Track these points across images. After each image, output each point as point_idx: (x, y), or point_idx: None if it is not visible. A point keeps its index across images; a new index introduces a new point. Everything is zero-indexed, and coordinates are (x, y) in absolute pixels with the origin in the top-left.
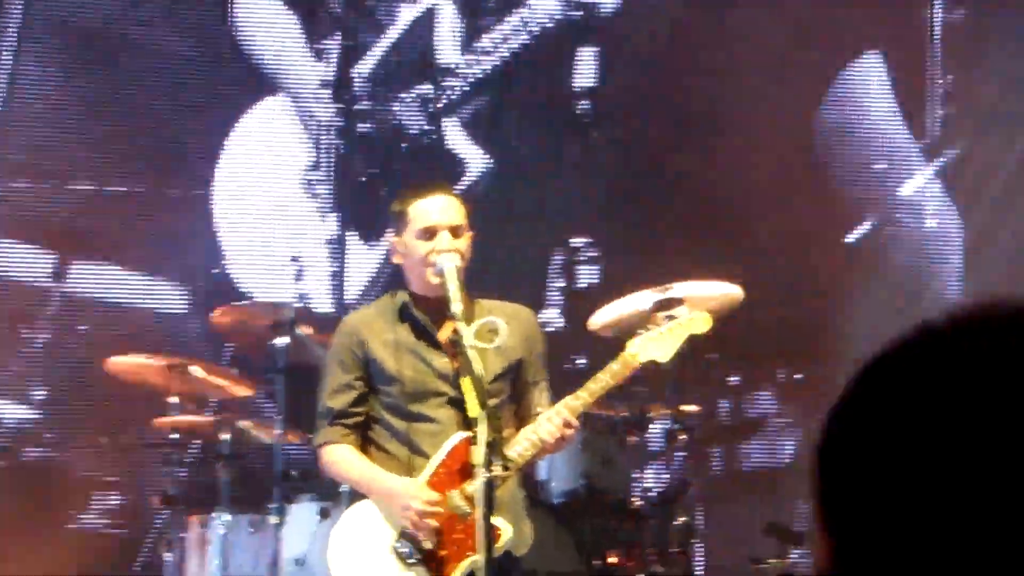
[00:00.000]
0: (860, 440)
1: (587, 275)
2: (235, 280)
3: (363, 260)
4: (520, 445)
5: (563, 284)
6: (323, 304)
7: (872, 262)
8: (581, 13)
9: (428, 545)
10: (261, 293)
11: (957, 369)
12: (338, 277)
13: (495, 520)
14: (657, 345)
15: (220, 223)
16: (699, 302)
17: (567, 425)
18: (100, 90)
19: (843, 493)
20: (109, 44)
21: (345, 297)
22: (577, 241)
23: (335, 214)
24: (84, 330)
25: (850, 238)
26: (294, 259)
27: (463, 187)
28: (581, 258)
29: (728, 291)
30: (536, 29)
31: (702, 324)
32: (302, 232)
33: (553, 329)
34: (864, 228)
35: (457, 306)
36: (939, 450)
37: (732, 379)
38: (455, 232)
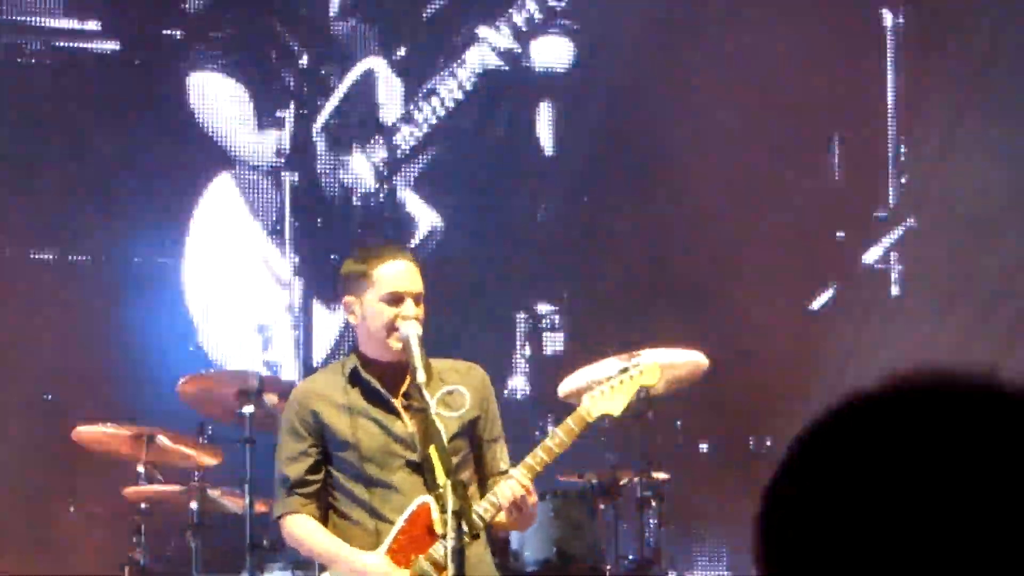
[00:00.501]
0: (797, 507)
1: (552, 342)
2: (206, 351)
3: (327, 325)
4: (480, 508)
5: (529, 352)
6: (290, 371)
7: (835, 329)
8: (510, 68)
9: None
10: (232, 363)
11: (884, 435)
12: (303, 343)
13: None
14: (609, 399)
15: (190, 296)
16: (665, 368)
17: (521, 486)
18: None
19: (783, 558)
20: (71, 119)
21: (313, 362)
22: (543, 308)
23: (298, 280)
24: (50, 399)
25: (813, 305)
26: (260, 328)
27: (413, 246)
28: (545, 325)
29: (694, 359)
30: (472, 85)
31: (652, 375)
32: (266, 301)
33: (520, 396)
34: (827, 295)
35: (421, 375)
36: (871, 512)
37: (702, 446)
38: (417, 300)
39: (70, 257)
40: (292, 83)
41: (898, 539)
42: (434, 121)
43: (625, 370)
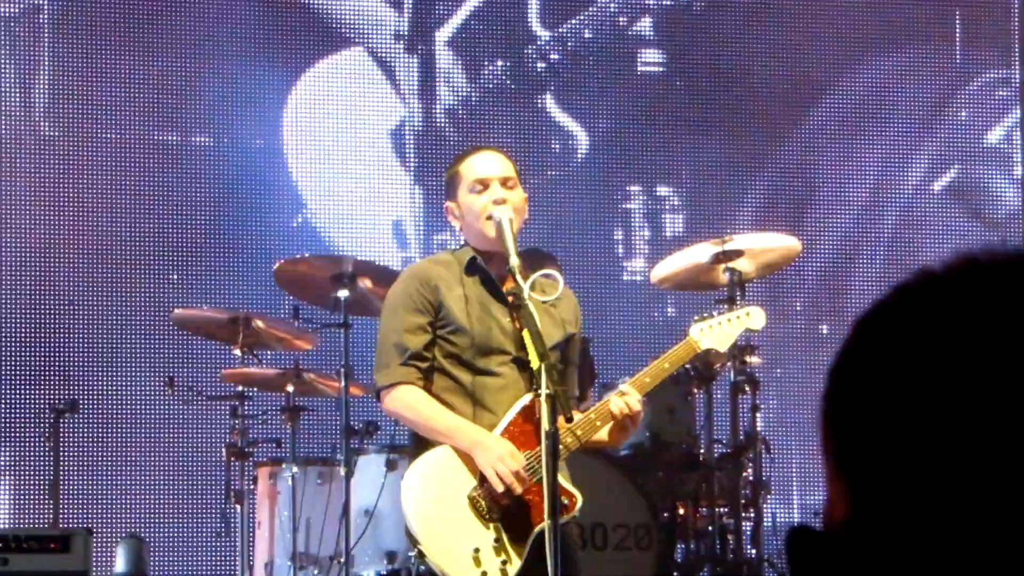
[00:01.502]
0: (866, 384)
1: (672, 224)
2: (318, 231)
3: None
4: (592, 414)
5: (648, 234)
6: (405, 262)
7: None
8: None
9: (505, 502)
10: (350, 250)
11: (957, 310)
12: (430, 240)
13: (569, 486)
14: (717, 335)
15: (301, 178)
16: (758, 253)
17: (636, 400)
18: (167, 42)
19: (853, 439)
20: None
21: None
22: (663, 191)
23: (422, 176)
24: (151, 280)
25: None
26: (396, 224)
27: (563, 159)
28: (666, 207)
29: (786, 243)
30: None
31: (758, 320)
32: (386, 190)
33: (640, 279)
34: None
35: (514, 259)
36: (944, 389)
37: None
38: (505, 183)
39: (192, 139)
40: None
41: (971, 418)
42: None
43: (734, 309)
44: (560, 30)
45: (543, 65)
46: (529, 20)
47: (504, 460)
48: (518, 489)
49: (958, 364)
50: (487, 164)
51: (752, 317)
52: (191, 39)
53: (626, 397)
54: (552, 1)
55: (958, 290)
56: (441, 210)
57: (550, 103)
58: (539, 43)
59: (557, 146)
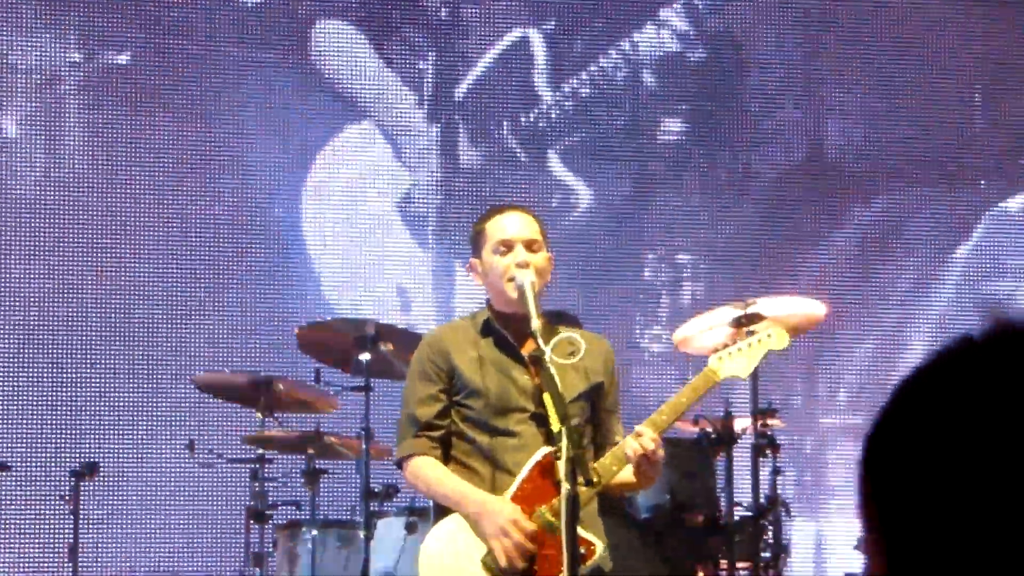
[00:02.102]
0: (905, 446)
1: (692, 291)
2: (330, 304)
3: (470, 288)
4: (607, 459)
5: (669, 301)
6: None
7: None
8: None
9: (520, 563)
10: (371, 313)
11: (996, 378)
12: (446, 305)
13: (588, 535)
14: (737, 361)
15: (325, 242)
16: (780, 319)
17: (650, 440)
18: (184, 117)
19: (891, 500)
20: (190, 79)
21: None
22: (683, 258)
23: (436, 240)
24: (173, 343)
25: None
26: (400, 291)
27: (570, 217)
28: (686, 274)
29: (810, 308)
30: (630, 65)
31: (781, 341)
32: (402, 258)
33: (662, 348)
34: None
35: (536, 321)
36: (980, 457)
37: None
38: (530, 246)
39: (213, 206)
40: (424, 38)
41: (1005, 486)
42: (589, 94)
43: (754, 333)
44: (565, 91)
45: (548, 126)
46: (536, 82)
47: (508, 533)
48: (519, 564)
49: (995, 432)
50: (512, 225)
51: (774, 338)
52: (214, 107)
53: (640, 438)
54: (559, 61)
55: (997, 359)
56: (452, 272)
57: (558, 166)
58: (545, 105)
59: (569, 209)
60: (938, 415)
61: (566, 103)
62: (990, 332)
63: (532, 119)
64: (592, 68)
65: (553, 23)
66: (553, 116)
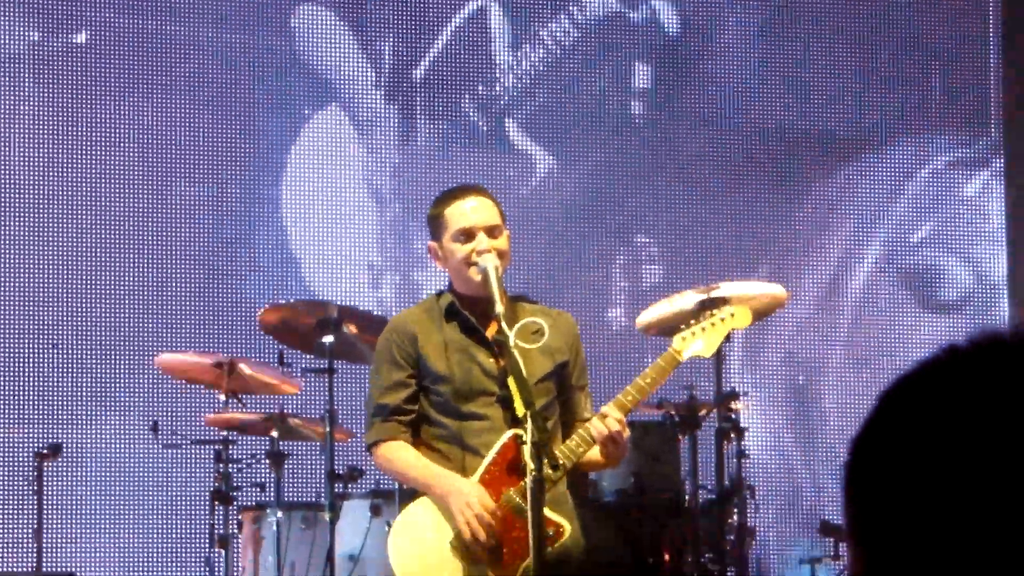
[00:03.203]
0: (888, 454)
1: (650, 274)
2: (308, 284)
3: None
4: (571, 443)
5: (626, 284)
6: (395, 307)
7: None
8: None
9: (489, 542)
10: (337, 296)
11: (979, 389)
12: (409, 281)
13: (556, 517)
14: (700, 340)
15: (285, 223)
16: (743, 301)
17: (615, 420)
18: (152, 98)
19: (872, 506)
20: (165, 60)
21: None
22: (641, 240)
23: (401, 216)
24: (136, 324)
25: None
26: (370, 266)
27: (531, 186)
28: (644, 257)
29: (772, 291)
30: (586, 26)
31: (743, 319)
32: (371, 237)
33: (617, 329)
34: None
35: (499, 306)
36: (963, 463)
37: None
38: (491, 232)
39: (177, 185)
40: (391, 16)
41: (987, 496)
42: (546, 60)
43: (714, 309)
44: (525, 61)
45: (507, 97)
46: (494, 52)
47: (471, 506)
48: (482, 535)
49: (978, 442)
50: (472, 213)
51: (737, 316)
52: (181, 85)
53: (606, 420)
54: (519, 31)
55: (982, 369)
56: (414, 252)
57: (523, 141)
58: (504, 76)
59: (530, 184)
60: (921, 424)
61: (525, 73)
62: (975, 341)
63: (491, 91)
64: (550, 33)
65: None
66: (512, 86)
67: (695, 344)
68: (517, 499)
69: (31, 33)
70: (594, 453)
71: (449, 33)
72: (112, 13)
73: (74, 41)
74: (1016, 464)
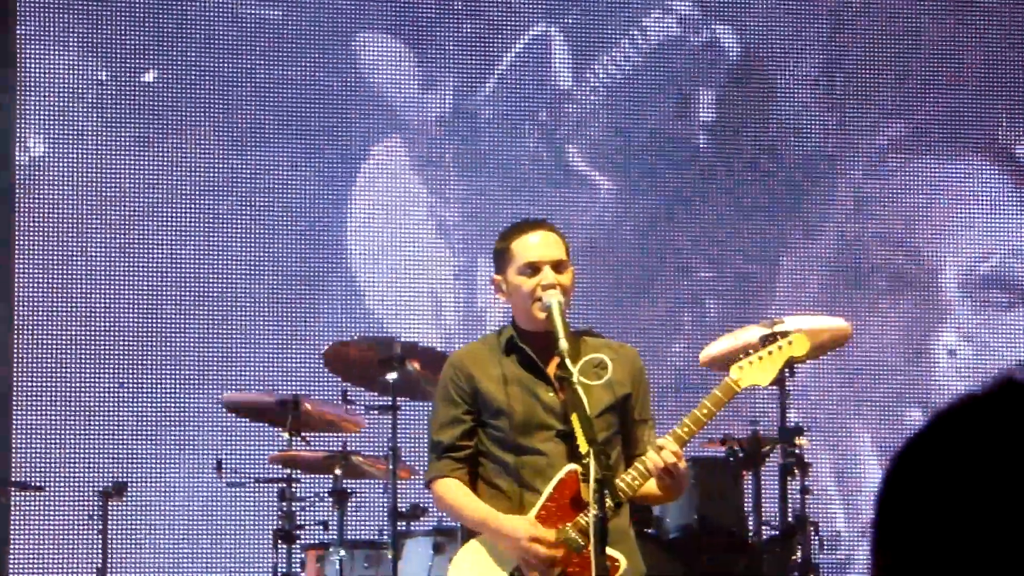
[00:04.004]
0: (912, 510)
1: (714, 309)
2: (375, 316)
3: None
4: (628, 476)
5: (690, 318)
6: (457, 341)
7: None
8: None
9: (548, 571)
10: (400, 331)
11: (999, 436)
12: (470, 313)
13: (613, 552)
14: (757, 369)
15: (349, 260)
16: (807, 335)
17: (670, 452)
18: (219, 136)
19: (903, 544)
20: (232, 94)
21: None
22: (705, 274)
23: (465, 248)
24: (200, 364)
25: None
26: (430, 294)
27: (590, 216)
28: (707, 291)
29: (836, 324)
30: (647, 54)
31: (801, 347)
32: (435, 268)
33: (679, 363)
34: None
35: (563, 342)
36: (986, 515)
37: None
38: (557, 267)
39: (236, 220)
40: (453, 47)
41: (1015, 545)
42: (605, 88)
43: (774, 340)
44: (589, 86)
45: (570, 124)
46: (557, 79)
47: (528, 549)
48: (541, 567)
49: (1000, 490)
50: (539, 247)
51: (795, 345)
52: (245, 120)
53: (662, 452)
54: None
55: (1000, 415)
56: (479, 287)
57: (590, 172)
58: (568, 103)
59: (596, 218)
60: (942, 478)
61: (589, 99)
62: (992, 388)
63: (555, 117)
64: (612, 59)
65: (575, 15)
66: (575, 114)
67: (752, 373)
68: (574, 534)
69: (99, 72)
70: (651, 486)
71: (510, 60)
72: (177, 51)
73: (141, 80)
74: None
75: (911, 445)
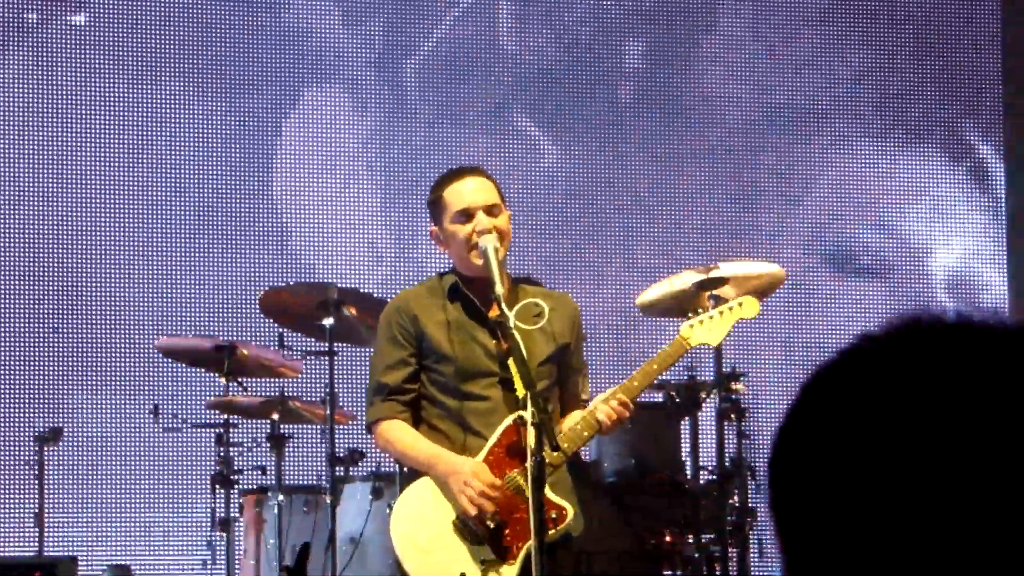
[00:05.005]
0: (806, 450)
1: (646, 255)
2: (306, 266)
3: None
4: (577, 427)
5: (622, 263)
6: (392, 287)
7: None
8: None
9: (491, 523)
10: (333, 278)
11: (896, 377)
12: (408, 261)
13: (558, 500)
14: (708, 329)
15: (283, 205)
16: (742, 281)
17: (624, 407)
18: (148, 79)
19: (793, 504)
20: (158, 38)
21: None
22: (637, 219)
23: (396, 200)
24: (135, 309)
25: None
26: (369, 246)
27: (533, 173)
28: (639, 236)
29: (771, 270)
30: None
31: (751, 309)
32: (367, 216)
33: (612, 308)
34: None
35: (499, 287)
36: (881, 459)
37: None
38: (491, 211)
39: (175, 167)
40: None
41: (908, 486)
42: (547, 48)
43: (725, 301)
44: (533, 49)
45: (513, 82)
46: (501, 38)
47: (470, 483)
48: (487, 509)
49: (897, 431)
50: (471, 193)
51: (745, 307)
52: (173, 66)
53: (612, 403)
54: (526, 19)
55: (898, 356)
56: (414, 233)
57: (525, 123)
58: (511, 62)
59: (531, 168)
60: (838, 418)
61: (527, 56)
62: (892, 330)
63: (494, 74)
64: (549, 17)
65: None
66: (514, 70)
67: (703, 332)
68: (520, 481)
69: (29, 15)
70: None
71: (454, 17)
72: None
73: (71, 21)
74: (930, 458)
75: (809, 384)
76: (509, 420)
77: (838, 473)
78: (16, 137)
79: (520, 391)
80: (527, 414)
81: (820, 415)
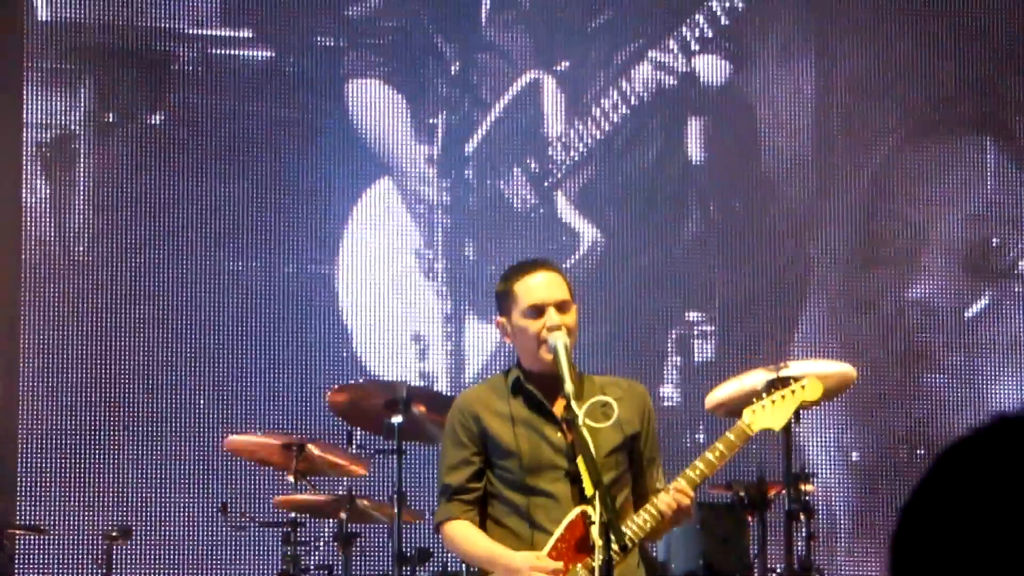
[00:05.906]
0: (934, 531)
1: (702, 351)
2: (360, 360)
3: (481, 337)
4: (639, 519)
5: (679, 360)
6: (443, 382)
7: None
8: (680, 83)
9: None
10: (384, 372)
11: None
12: (457, 356)
13: None
14: (770, 413)
15: (345, 304)
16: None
17: (682, 493)
18: (217, 177)
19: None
20: (223, 138)
21: (467, 375)
22: (693, 316)
23: (449, 292)
24: (205, 407)
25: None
26: (415, 338)
27: (575, 261)
28: (696, 333)
29: (842, 370)
30: (638, 101)
31: (814, 391)
32: (421, 311)
33: (669, 405)
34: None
35: (569, 385)
36: (1010, 534)
37: (853, 456)
38: (561, 308)
39: (228, 265)
40: (445, 91)
41: None
42: (596, 136)
43: (786, 385)
44: (576, 133)
45: (560, 170)
46: (548, 126)
47: (538, 569)
48: None
49: (1006, 523)
50: (542, 288)
51: (808, 389)
52: (247, 167)
53: (674, 493)
54: (572, 104)
55: (997, 453)
56: (480, 330)
57: (569, 212)
58: (557, 149)
59: (575, 257)
60: (968, 497)
61: (578, 146)
62: (990, 425)
63: (543, 164)
64: (600, 107)
65: (566, 64)
66: (564, 160)
67: (765, 417)
68: (583, 574)
69: (106, 115)
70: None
71: (502, 107)
72: (180, 94)
73: (148, 122)
74: None
75: (917, 491)
76: (574, 514)
77: (970, 552)
78: (86, 235)
79: (589, 489)
80: (592, 511)
81: (949, 494)
